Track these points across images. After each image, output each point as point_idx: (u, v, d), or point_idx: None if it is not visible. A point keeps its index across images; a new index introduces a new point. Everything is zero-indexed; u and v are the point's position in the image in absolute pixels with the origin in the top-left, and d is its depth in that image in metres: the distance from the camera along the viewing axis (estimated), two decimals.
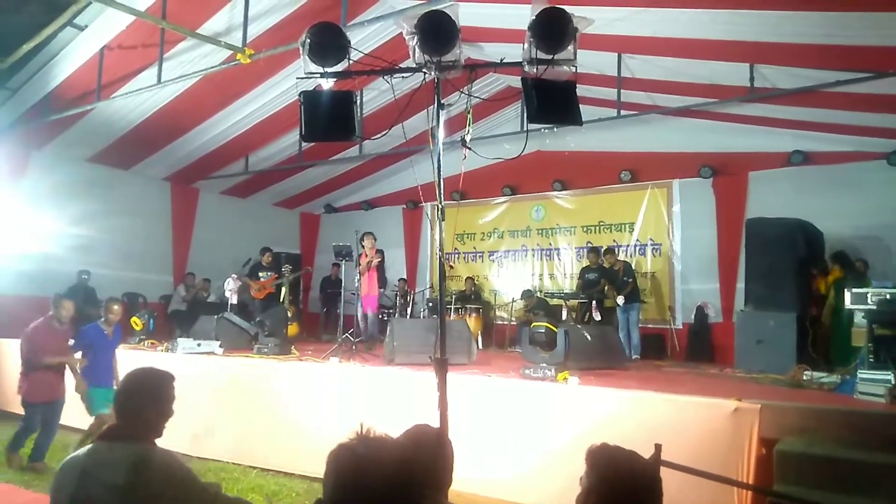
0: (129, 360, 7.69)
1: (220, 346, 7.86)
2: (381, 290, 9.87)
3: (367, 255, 9.20)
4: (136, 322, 9.10)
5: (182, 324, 10.45)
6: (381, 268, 9.63)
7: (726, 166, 10.23)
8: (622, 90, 8.24)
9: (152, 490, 2.22)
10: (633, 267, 10.29)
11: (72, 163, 10.66)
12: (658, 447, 3.35)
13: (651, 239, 11.11)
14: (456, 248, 13.07)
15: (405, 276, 13.32)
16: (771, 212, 8.17)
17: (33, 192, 9.84)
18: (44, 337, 6.04)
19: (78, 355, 6.17)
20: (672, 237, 10.88)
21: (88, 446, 2.36)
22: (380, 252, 9.57)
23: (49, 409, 6.03)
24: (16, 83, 8.57)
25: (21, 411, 6.18)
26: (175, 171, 11.93)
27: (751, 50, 7.00)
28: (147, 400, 2.42)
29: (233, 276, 9.86)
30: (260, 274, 10.61)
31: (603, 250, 10.34)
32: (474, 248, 13.24)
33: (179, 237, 12.60)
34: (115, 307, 6.38)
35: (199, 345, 7.62)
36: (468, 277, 12.42)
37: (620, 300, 9.47)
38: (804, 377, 5.99)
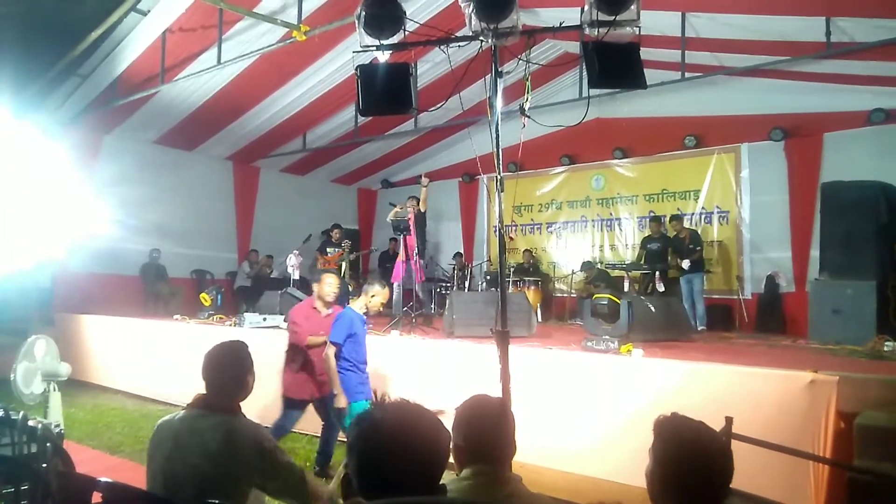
0: (199, 335, 8.05)
1: (285, 319, 8.05)
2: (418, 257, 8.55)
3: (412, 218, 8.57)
4: (205, 298, 9.44)
5: (248, 299, 10.80)
6: (420, 230, 8.67)
7: (799, 128, 9.70)
8: (686, 51, 7.89)
9: (242, 458, 2.36)
10: (699, 235, 9.96)
11: (140, 145, 11.09)
12: (729, 420, 3.26)
13: (718, 206, 10.71)
14: (513, 221, 12.95)
15: (462, 250, 13.32)
16: (848, 175, 7.70)
17: (105, 175, 10.29)
18: (301, 319, 5.07)
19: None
20: (740, 204, 10.45)
21: (181, 413, 2.51)
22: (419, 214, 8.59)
23: (318, 404, 5.11)
24: (86, 70, 8.91)
25: None
26: (236, 150, 12.24)
27: (827, 1, 6.55)
28: (229, 371, 2.60)
29: (294, 252, 10.08)
30: (328, 249, 10.82)
31: (668, 217, 10.06)
32: (532, 219, 13.09)
33: (242, 215, 12.98)
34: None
35: (264, 319, 7.84)
36: (526, 250, 12.31)
37: (686, 264, 9.20)
38: (885, 348, 5.68)
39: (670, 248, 9.60)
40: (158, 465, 2.41)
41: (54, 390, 4.66)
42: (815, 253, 8.46)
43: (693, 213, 10.86)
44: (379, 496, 1.27)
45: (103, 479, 2.09)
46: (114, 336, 8.84)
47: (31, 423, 2.54)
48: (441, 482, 1.41)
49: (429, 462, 1.34)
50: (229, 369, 2.60)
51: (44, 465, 2.42)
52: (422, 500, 1.30)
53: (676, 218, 9.90)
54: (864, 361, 5.32)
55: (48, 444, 2.55)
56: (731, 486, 3.23)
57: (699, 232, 10.15)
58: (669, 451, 1.81)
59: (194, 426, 2.43)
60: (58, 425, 4.34)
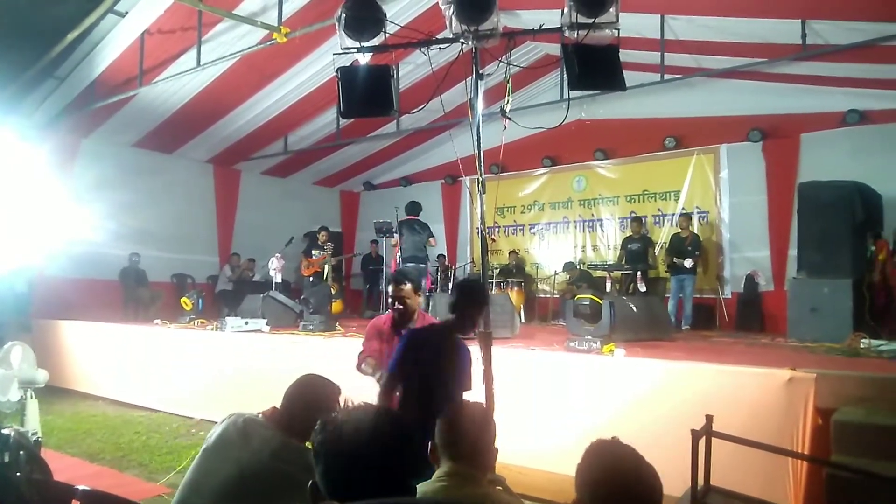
0: (180, 339, 7.97)
1: (267, 323, 8.01)
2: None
3: None
4: (186, 302, 9.36)
5: (229, 303, 10.71)
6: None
7: (777, 129, 9.84)
8: (665, 53, 7.97)
9: (285, 470, 2.31)
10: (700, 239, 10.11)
11: (118, 148, 10.95)
12: (709, 418, 3.30)
13: (697, 207, 10.82)
14: (496, 222, 12.97)
15: (445, 252, 13.33)
16: (825, 175, 7.82)
17: (83, 179, 10.16)
18: (370, 334, 4.03)
19: None
20: (720, 204, 10.57)
21: (250, 415, 2.48)
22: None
23: None
24: (63, 72, 8.78)
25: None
26: (217, 153, 12.13)
27: (802, 4, 6.67)
28: (314, 409, 2.43)
29: (276, 255, 10.02)
30: (313, 252, 10.76)
31: (679, 216, 10.32)
32: (514, 221, 13.13)
33: (223, 218, 12.87)
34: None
35: (246, 323, 7.78)
36: (512, 251, 12.36)
37: (688, 262, 9.37)
38: (861, 345, 5.77)
39: (658, 247, 9.72)
40: (204, 450, 2.43)
41: (31, 398, 4.58)
42: (793, 252, 8.60)
43: (674, 214, 10.95)
44: (344, 500, 1.27)
45: (82, 486, 2.07)
46: (93, 342, 8.71)
47: (4, 431, 2.50)
48: (413, 484, 1.41)
49: (393, 465, 1.35)
50: (312, 404, 2.47)
51: (18, 474, 2.38)
52: (394, 501, 1.30)
53: (685, 216, 10.09)
54: (841, 358, 5.40)
55: (23, 452, 2.51)
56: (711, 483, 3.27)
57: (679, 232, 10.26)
58: (594, 476, 1.78)
59: (255, 432, 2.41)
60: (35, 433, 4.28)
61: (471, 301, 3.25)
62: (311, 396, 2.52)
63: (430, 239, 9.06)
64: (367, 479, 1.31)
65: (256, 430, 2.42)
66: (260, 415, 2.50)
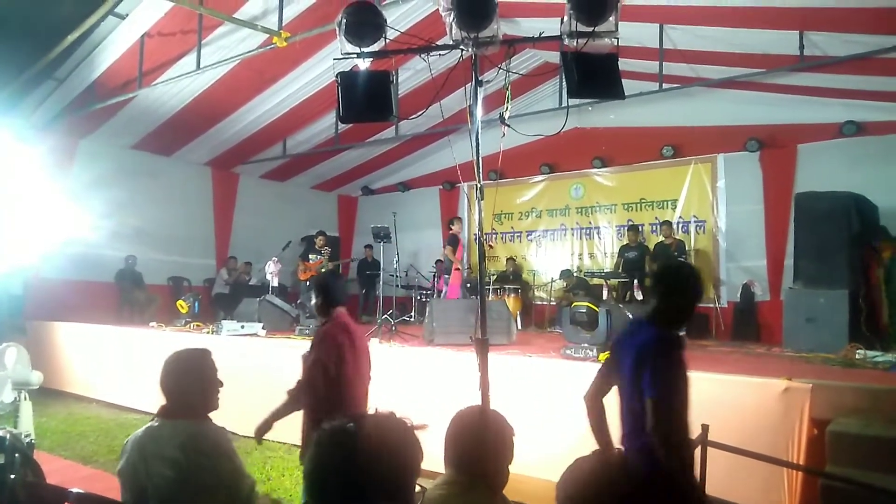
0: (175, 343, 7.93)
1: (263, 327, 8.00)
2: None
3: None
4: (182, 305, 9.34)
5: (225, 306, 10.70)
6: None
7: (774, 139, 9.88)
8: (664, 62, 8.01)
9: (203, 463, 2.34)
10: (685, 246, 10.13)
11: (117, 150, 10.95)
12: (705, 427, 3.31)
13: (695, 216, 10.84)
14: (494, 229, 12.99)
15: (442, 257, 13.32)
16: (821, 185, 7.86)
17: (81, 180, 10.13)
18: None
19: None
20: (717, 214, 10.60)
21: (146, 425, 2.47)
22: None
23: None
24: (62, 73, 8.78)
25: None
26: (215, 156, 12.13)
27: (801, 16, 6.70)
28: (188, 379, 2.52)
29: (273, 259, 10.02)
30: (310, 256, 10.77)
31: (661, 224, 10.30)
32: (512, 227, 13.14)
33: (221, 221, 12.85)
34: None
35: (242, 326, 7.77)
36: (509, 258, 12.36)
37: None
38: (857, 356, 5.79)
39: (650, 256, 9.71)
40: (126, 478, 2.40)
41: (25, 399, 4.57)
42: (789, 262, 8.61)
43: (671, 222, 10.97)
44: None
45: (75, 489, 2.06)
46: (88, 344, 8.68)
47: None
48: (416, 490, 1.41)
49: (387, 476, 1.34)
50: (186, 376, 2.52)
51: (12, 476, 2.37)
52: None
53: (667, 224, 10.09)
54: (837, 369, 5.42)
55: (16, 455, 2.50)
56: (706, 492, 3.27)
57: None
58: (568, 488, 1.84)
59: (158, 435, 2.40)
60: (28, 435, 4.25)
61: (685, 288, 2.72)
62: (183, 372, 2.52)
63: (447, 249, 9.93)
64: (347, 489, 1.31)
65: (160, 433, 2.41)
66: (154, 420, 2.48)
